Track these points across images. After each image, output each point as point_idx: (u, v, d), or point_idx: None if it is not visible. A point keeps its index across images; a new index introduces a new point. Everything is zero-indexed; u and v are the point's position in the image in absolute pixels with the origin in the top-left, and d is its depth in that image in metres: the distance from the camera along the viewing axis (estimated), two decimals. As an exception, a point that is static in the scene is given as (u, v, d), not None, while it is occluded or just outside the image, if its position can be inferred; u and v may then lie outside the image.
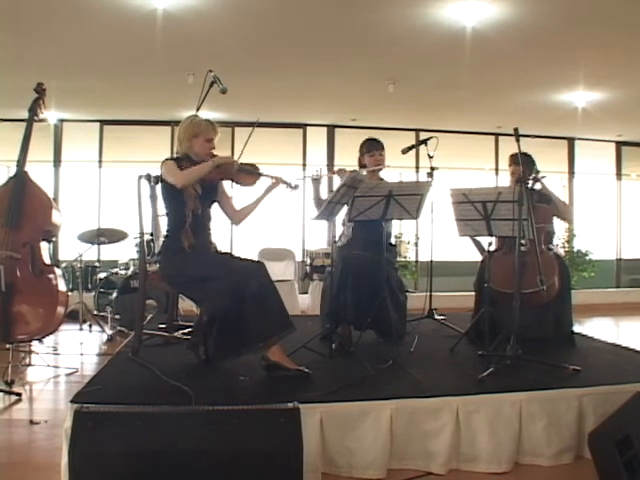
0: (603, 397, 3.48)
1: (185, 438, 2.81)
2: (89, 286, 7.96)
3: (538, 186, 4.80)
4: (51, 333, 4.97)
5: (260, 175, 4.13)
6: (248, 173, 4.11)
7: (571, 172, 11.06)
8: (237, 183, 4.13)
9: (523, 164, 4.39)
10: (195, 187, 3.97)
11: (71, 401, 3.15)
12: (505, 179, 10.37)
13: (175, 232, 4.00)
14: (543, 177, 4.73)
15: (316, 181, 4.69)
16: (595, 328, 7.86)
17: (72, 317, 6.72)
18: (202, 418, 2.87)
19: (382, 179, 4.96)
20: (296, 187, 4.20)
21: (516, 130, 4.08)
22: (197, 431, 2.82)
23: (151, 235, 5.07)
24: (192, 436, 2.81)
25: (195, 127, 4.02)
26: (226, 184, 4.27)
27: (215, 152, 4.12)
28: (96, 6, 5.16)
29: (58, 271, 4.89)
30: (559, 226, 5.17)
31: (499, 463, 3.29)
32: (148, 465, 2.76)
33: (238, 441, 2.82)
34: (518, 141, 4.11)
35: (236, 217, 4.29)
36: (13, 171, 4.99)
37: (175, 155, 4.13)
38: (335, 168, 5.05)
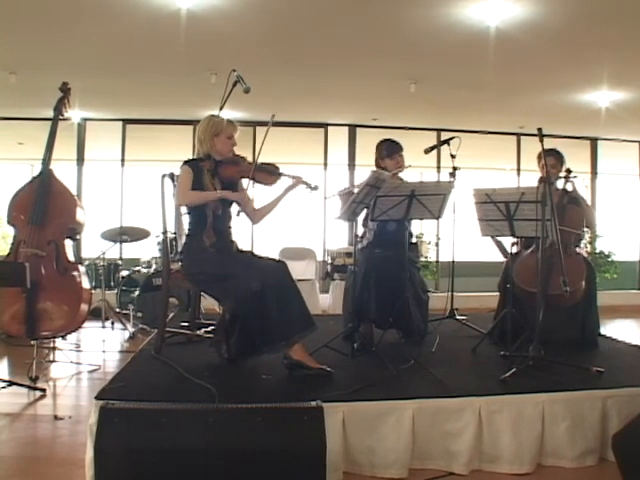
0: (627, 399, 3.46)
1: (209, 435, 2.83)
2: (111, 284, 8.03)
3: (569, 187, 4.77)
4: (75, 330, 5.04)
5: (280, 175, 4.14)
6: (268, 172, 4.12)
7: (594, 172, 10.97)
8: (257, 182, 4.15)
9: (555, 159, 4.38)
10: (215, 186, 4.00)
11: (96, 397, 3.18)
12: (526, 179, 10.33)
13: (197, 231, 4.03)
14: (575, 177, 4.70)
15: (344, 196, 4.62)
16: (617, 330, 7.79)
17: (94, 314, 6.79)
18: (226, 416, 2.90)
19: (401, 179, 4.95)
20: (316, 188, 4.19)
21: (540, 130, 4.05)
22: (221, 429, 2.84)
23: (174, 234, 5.11)
24: (216, 433, 2.83)
25: (215, 126, 4.05)
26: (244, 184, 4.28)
27: (236, 150, 4.16)
28: (120, 6, 5.19)
29: (82, 268, 4.95)
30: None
31: (521, 464, 3.28)
32: (172, 461, 2.78)
33: (262, 439, 2.84)
34: (542, 141, 4.09)
35: (255, 216, 4.29)
36: (37, 169, 5.06)
37: (196, 156, 4.16)
38: (357, 174, 5.01)
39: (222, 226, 4.08)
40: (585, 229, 5.17)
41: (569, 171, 4.75)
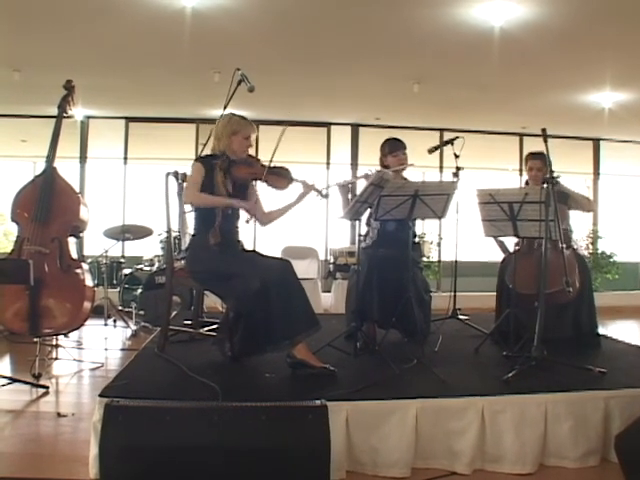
0: (630, 400, 3.46)
1: (214, 433, 2.84)
2: (114, 282, 8.03)
3: None
4: (78, 328, 5.04)
5: (292, 180, 4.12)
6: (280, 176, 4.11)
7: (596, 173, 10.96)
8: (269, 185, 4.14)
9: (541, 162, 4.40)
10: (227, 187, 3.97)
11: (100, 395, 3.18)
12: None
13: (202, 230, 4.01)
14: (558, 176, 4.72)
15: (344, 188, 4.67)
16: (619, 330, 7.79)
17: (97, 312, 6.77)
18: (231, 414, 2.90)
19: (405, 179, 4.95)
20: (326, 195, 4.18)
21: (544, 131, 4.05)
22: (226, 427, 2.85)
23: (178, 232, 5.11)
24: (221, 431, 2.83)
25: (234, 125, 4.03)
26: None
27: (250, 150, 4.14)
28: (124, 4, 5.21)
29: (85, 266, 4.95)
30: (582, 226, 5.14)
31: (524, 464, 3.28)
32: (177, 459, 2.79)
33: (266, 437, 2.85)
34: (546, 142, 4.09)
35: (264, 219, 4.29)
36: (40, 167, 5.06)
37: (211, 152, 4.12)
38: (360, 172, 5.06)
39: (229, 226, 4.06)
40: (589, 227, 5.19)
41: (551, 172, 4.77)
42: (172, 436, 2.82)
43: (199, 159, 4.06)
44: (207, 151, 4.20)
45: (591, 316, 4.91)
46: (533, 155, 4.85)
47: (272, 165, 4.09)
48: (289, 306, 3.69)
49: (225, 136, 4.02)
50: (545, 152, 4.20)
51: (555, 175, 4.63)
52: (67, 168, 8.94)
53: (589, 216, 5.09)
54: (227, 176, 3.97)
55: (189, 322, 4.90)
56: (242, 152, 4.06)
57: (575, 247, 4.93)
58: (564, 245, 4.69)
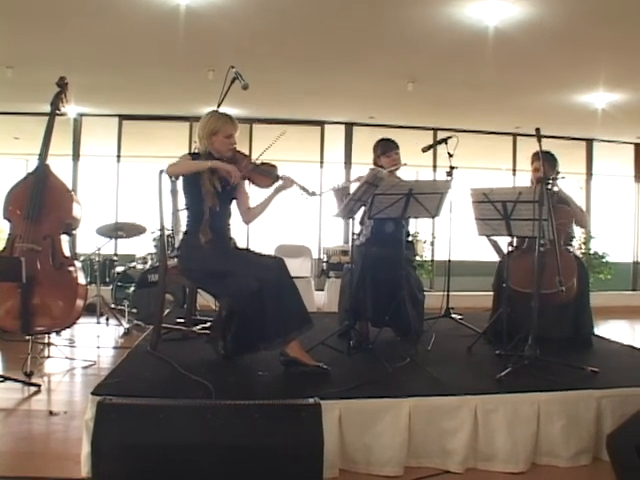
0: (622, 399, 3.47)
1: (207, 431, 2.82)
2: (107, 280, 8.01)
3: (555, 188, 4.78)
4: (70, 326, 5.02)
5: (277, 178, 4.11)
6: (264, 175, 4.10)
7: (589, 173, 11.00)
8: (252, 183, 4.13)
9: (546, 163, 4.38)
10: (214, 184, 3.93)
11: (92, 393, 3.18)
12: (522, 179, 10.36)
13: (194, 227, 4.00)
14: (562, 178, 4.71)
15: (338, 192, 4.66)
16: (611, 330, 7.82)
17: (89, 310, 6.76)
18: (224, 412, 2.89)
19: (399, 178, 4.95)
20: (313, 194, 4.15)
21: (538, 130, 4.07)
22: (219, 425, 2.83)
23: (171, 230, 5.10)
24: (214, 429, 2.82)
25: (213, 124, 3.98)
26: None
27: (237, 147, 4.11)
28: (118, 2, 5.19)
29: (78, 264, 4.94)
30: (576, 228, 5.14)
31: (516, 463, 3.29)
32: (170, 457, 2.78)
33: (260, 435, 2.84)
34: (540, 141, 4.10)
35: (247, 216, 4.26)
36: (32, 165, 5.03)
37: (195, 151, 4.13)
38: (353, 171, 5.07)
39: (220, 223, 4.04)
40: (578, 227, 5.17)
41: (557, 173, 4.76)
42: (165, 434, 2.81)
43: (189, 154, 4.09)
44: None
45: (588, 316, 4.92)
46: (539, 155, 4.80)
47: (260, 162, 4.09)
48: (282, 304, 3.68)
49: (205, 137, 3.99)
50: (539, 152, 4.21)
51: (561, 177, 4.64)
52: (60, 166, 8.92)
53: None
54: (214, 175, 3.92)
55: (182, 320, 4.89)
56: (226, 151, 4.02)
57: (571, 251, 4.90)
58: (565, 246, 4.71)
